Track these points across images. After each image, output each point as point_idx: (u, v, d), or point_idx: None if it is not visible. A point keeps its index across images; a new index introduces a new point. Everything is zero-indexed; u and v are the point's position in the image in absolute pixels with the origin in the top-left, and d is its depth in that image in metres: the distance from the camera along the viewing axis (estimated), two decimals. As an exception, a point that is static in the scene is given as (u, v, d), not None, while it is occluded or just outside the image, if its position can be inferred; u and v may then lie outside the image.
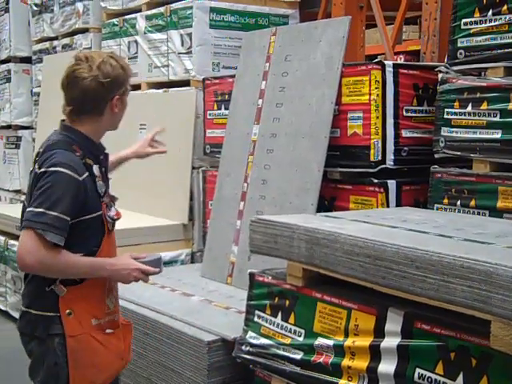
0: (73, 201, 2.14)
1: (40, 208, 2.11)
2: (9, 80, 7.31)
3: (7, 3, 7.29)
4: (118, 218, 2.36)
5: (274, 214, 3.62)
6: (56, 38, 6.68)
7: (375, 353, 2.28)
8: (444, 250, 2.07)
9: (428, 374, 2.12)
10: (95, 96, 2.24)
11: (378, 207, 3.49)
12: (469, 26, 3.21)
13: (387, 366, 2.24)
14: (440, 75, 3.33)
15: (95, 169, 2.27)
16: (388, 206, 3.49)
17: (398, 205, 3.53)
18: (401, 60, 7.70)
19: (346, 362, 2.39)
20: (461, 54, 3.25)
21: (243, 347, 2.84)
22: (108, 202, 2.32)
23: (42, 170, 2.16)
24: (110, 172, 2.53)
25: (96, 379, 2.32)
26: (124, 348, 2.40)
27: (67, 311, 2.22)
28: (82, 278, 2.24)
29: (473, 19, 3.18)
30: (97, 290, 2.30)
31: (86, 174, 2.21)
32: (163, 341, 3.26)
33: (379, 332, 2.29)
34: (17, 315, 4.98)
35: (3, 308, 5.33)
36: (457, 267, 1.99)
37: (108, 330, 2.32)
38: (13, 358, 4.51)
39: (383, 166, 3.50)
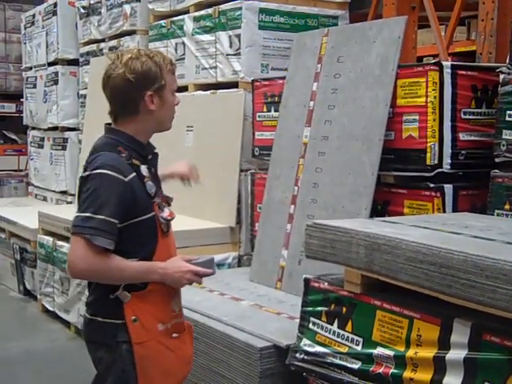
0: (119, 202, 2.09)
1: (87, 212, 2.07)
2: (56, 82, 7.38)
3: (55, 6, 7.37)
4: (172, 219, 2.27)
5: (325, 218, 3.55)
6: (103, 41, 6.71)
7: (440, 365, 2.19)
8: (517, 258, 1.97)
9: (498, 388, 2.03)
10: (123, 93, 2.17)
11: (433, 212, 3.39)
12: (533, 25, 3.09)
13: (453, 380, 2.15)
14: (501, 76, 3.21)
15: (143, 169, 2.21)
16: (444, 211, 3.38)
17: (455, 210, 3.42)
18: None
19: (407, 373, 2.30)
20: (524, 54, 3.14)
21: (297, 355, 2.77)
22: (160, 202, 2.25)
23: (87, 173, 2.13)
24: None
25: None
26: (191, 352, 2.36)
27: (132, 318, 2.16)
28: (145, 283, 2.19)
29: (537, 18, 3.07)
30: (162, 294, 2.23)
31: (133, 174, 2.15)
32: (214, 346, 3.21)
33: (444, 343, 2.20)
34: (64, 316, 5.09)
35: (51, 308, 5.36)
36: (532, 277, 1.89)
37: (174, 335, 2.26)
38: (57, 357, 4.56)
39: (440, 169, 3.40)
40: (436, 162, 3.39)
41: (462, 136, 3.45)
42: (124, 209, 2.10)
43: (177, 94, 2.32)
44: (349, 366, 2.53)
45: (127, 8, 6.17)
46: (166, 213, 2.25)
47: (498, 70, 3.28)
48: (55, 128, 7.48)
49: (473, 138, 3.49)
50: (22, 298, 6.04)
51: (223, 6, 4.90)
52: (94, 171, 2.10)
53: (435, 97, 3.36)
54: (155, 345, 2.21)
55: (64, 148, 7.34)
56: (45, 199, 7.81)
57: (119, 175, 2.10)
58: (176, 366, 2.27)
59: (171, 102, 2.25)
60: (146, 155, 2.26)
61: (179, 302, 2.34)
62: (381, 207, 3.65)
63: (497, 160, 3.22)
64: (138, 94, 2.17)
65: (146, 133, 2.27)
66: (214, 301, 3.64)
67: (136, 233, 2.16)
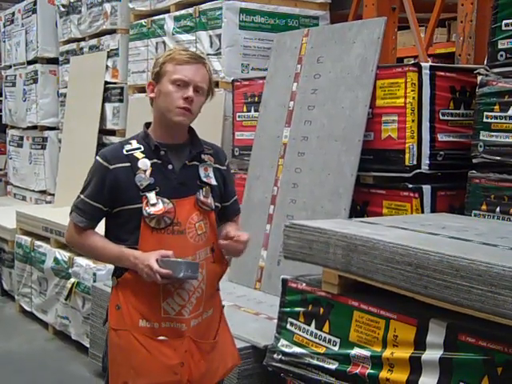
0: (97, 186, 2.22)
1: (79, 192, 2.30)
2: (35, 81, 7.31)
3: (35, 4, 7.30)
4: (157, 216, 2.16)
5: (304, 218, 3.56)
6: (83, 39, 6.66)
7: (416, 365, 2.20)
8: (492, 259, 1.98)
9: (473, 388, 2.04)
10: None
11: (412, 213, 3.40)
12: (510, 27, 3.10)
13: (428, 380, 2.16)
14: (479, 78, 3.23)
15: (141, 162, 2.22)
16: (422, 212, 3.40)
17: (433, 210, 3.43)
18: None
19: (384, 373, 2.31)
20: (501, 55, 3.15)
21: (275, 355, 2.77)
22: (152, 196, 2.18)
23: None
24: None
25: (130, 380, 2.23)
26: (180, 363, 2.22)
27: (116, 304, 2.24)
28: (124, 270, 2.23)
29: (514, 20, 3.08)
30: (148, 290, 2.19)
31: (124, 164, 2.21)
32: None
33: (420, 344, 2.21)
34: (42, 316, 5.05)
35: (29, 309, 5.31)
36: (506, 278, 1.90)
37: (161, 337, 2.21)
38: (35, 358, 4.52)
39: (418, 170, 3.41)
40: (414, 162, 3.40)
41: (440, 137, 3.46)
42: (105, 193, 2.22)
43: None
44: (326, 366, 2.53)
45: (107, 7, 6.12)
46: (156, 208, 2.18)
47: (475, 72, 3.30)
48: (34, 127, 7.41)
49: (451, 138, 3.51)
50: (-1, 299, 5.99)
51: (204, 6, 4.88)
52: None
53: (414, 98, 3.38)
54: (128, 337, 2.21)
55: (43, 147, 7.27)
56: (24, 199, 7.73)
57: (104, 162, 2.23)
58: (149, 367, 2.21)
59: (169, 91, 2.20)
60: (157, 150, 2.24)
61: (178, 307, 2.23)
62: (360, 208, 3.66)
63: (474, 161, 3.24)
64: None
65: (160, 124, 2.27)
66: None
67: (123, 220, 2.23)
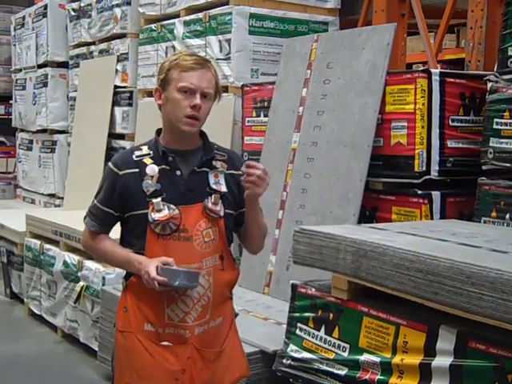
0: (107, 192, 2.27)
1: (93, 197, 2.35)
2: (45, 84, 7.35)
3: (45, 8, 7.34)
4: (161, 221, 2.16)
5: (313, 223, 3.56)
6: (93, 43, 6.69)
7: (426, 372, 2.20)
8: (502, 266, 1.99)
9: (483, 395, 2.04)
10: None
11: (421, 219, 3.40)
12: (521, 34, 3.11)
13: (439, 386, 2.15)
14: (489, 84, 3.24)
15: (149, 168, 2.22)
16: (432, 218, 3.40)
17: (442, 217, 3.43)
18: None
19: (393, 380, 2.31)
20: (511, 62, 3.15)
21: (284, 360, 2.77)
22: (158, 202, 2.17)
23: None
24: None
25: (132, 383, 2.24)
26: (182, 370, 2.21)
27: (124, 306, 2.28)
28: (131, 273, 2.26)
29: (525, 27, 3.09)
30: (152, 295, 2.19)
31: (133, 170, 2.23)
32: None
33: (430, 350, 2.21)
34: (51, 319, 5.07)
35: (38, 312, 5.33)
36: (517, 285, 1.90)
37: (165, 343, 2.22)
38: (43, 361, 4.54)
39: (428, 176, 3.42)
40: (424, 168, 3.40)
41: (449, 143, 3.47)
42: (115, 199, 2.25)
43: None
44: (335, 372, 2.54)
45: (118, 11, 6.15)
46: (161, 214, 2.18)
47: (485, 79, 3.31)
48: (44, 130, 7.45)
49: (460, 145, 3.51)
50: (8, 302, 6.00)
51: (213, 11, 4.90)
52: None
53: (423, 104, 3.38)
54: (133, 340, 2.23)
55: (53, 151, 7.31)
56: (33, 202, 7.77)
57: (115, 168, 2.27)
58: (151, 372, 2.21)
59: (177, 99, 2.18)
60: (165, 156, 2.24)
61: (180, 313, 2.22)
62: (369, 213, 3.66)
63: (484, 167, 3.24)
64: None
65: (168, 130, 2.27)
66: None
67: (132, 226, 2.26)
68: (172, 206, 2.19)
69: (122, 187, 2.24)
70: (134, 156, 2.26)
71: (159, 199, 2.20)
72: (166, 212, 2.18)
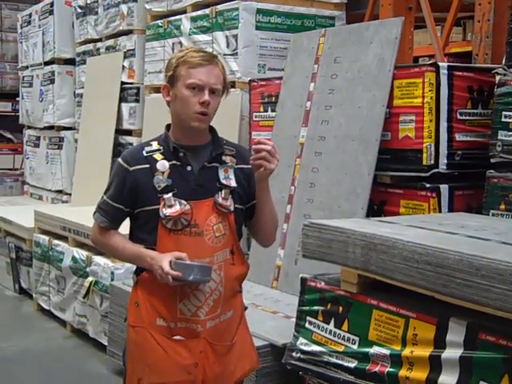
0: (118, 188, 2.27)
1: (103, 193, 2.35)
2: (52, 81, 7.37)
3: (51, 5, 7.36)
4: (172, 217, 2.16)
5: (322, 217, 3.56)
6: (100, 40, 6.71)
7: (435, 364, 2.21)
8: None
9: (493, 387, 2.04)
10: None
11: (429, 212, 3.40)
12: (529, 27, 3.11)
13: (448, 378, 2.17)
14: (497, 77, 3.23)
15: (160, 164, 2.22)
16: (440, 211, 3.40)
17: (450, 210, 3.44)
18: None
19: (403, 372, 2.32)
20: (520, 55, 3.15)
21: (294, 354, 2.78)
22: (170, 198, 2.17)
23: None
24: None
25: (145, 378, 2.25)
26: (194, 364, 2.22)
27: (136, 301, 2.28)
28: (143, 269, 2.26)
29: (533, 19, 3.08)
30: (164, 290, 2.20)
31: (144, 166, 2.22)
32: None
33: (440, 342, 2.22)
34: (60, 315, 5.09)
35: (47, 307, 5.36)
36: (527, 277, 1.91)
37: (177, 337, 2.23)
38: (53, 356, 4.56)
39: (436, 170, 3.42)
40: (432, 162, 3.41)
41: (458, 136, 3.47)
42: (125, 195, 2.25)
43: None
44: (345, 364, 2.55)
45: (124, 8, 6.16)
46: (172, 210, 2.18)
47: (493, 72, 3.30)
48: (51, 127, 7.48)
49: (469, 138, 3.51)
50: (17, 297, 6.03)
51: (220, 7, 4.91)
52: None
53: (431, 97, 3.38)
54: (145, 334, 2.23)
55: (60, 147, 7.34)
56: (40, 198, 7.80)
57: (125, 164, 2.26)
58: (164, 366, 2.22)
59: (185, 96, 2.18)
60: (176, 152, 2.24)
61: (193, 308, 2.23)
62: (377, 207, 3.67)
63: (492, 160, 3.24)
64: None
65: (178, 127, 2.26)
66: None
67: (142, 221, 2.26)
68: (183, 202, 2.20)
69: (133, 183, 2.24)
70: (144, 152, 2.26)
71: (170, 195, 2.20)
72: (177, 207, 2.19)
